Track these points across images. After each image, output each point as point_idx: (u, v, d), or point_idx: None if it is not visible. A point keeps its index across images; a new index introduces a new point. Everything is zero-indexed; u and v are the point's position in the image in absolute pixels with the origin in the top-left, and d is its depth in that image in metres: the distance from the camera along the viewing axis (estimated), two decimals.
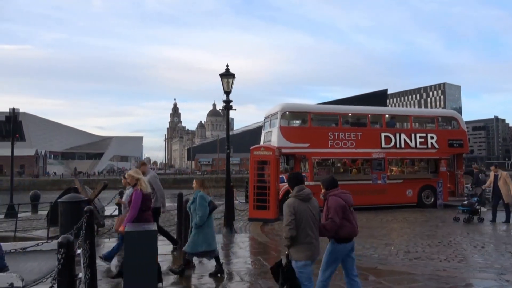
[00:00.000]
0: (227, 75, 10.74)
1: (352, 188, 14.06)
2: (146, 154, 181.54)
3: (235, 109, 11.15)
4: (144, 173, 7.93)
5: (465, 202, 12.16)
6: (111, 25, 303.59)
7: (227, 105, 10.91)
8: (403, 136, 15.58)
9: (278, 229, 10.94)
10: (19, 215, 12.51)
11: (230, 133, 12.10)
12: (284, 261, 4.33)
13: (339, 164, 15.50)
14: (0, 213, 15.30)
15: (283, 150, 13.83)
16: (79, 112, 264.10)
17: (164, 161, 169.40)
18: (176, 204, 9.79)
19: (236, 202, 14.32)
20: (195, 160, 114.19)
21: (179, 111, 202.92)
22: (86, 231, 4.93)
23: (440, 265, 6.86)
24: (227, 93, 10.80)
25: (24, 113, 71.93)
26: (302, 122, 15.91)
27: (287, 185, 13.41)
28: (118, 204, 10.04)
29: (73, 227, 4.93)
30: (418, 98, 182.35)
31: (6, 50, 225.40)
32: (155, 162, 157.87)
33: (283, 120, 14.76)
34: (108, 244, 9.01)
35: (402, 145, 15.47)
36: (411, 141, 15.60)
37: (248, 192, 15.17)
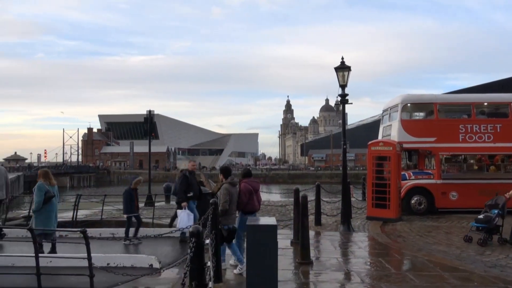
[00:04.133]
0: (342, 68, 10.35)
1: (490, 188, 12.43)
2: (261, 150, 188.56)
3: (351, 103, 10.68)
4: None
5: (481, 216, 8.42)
6: (229, 29, 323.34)
7: (343, 99, 10.53)
8: None
9: (400, 230, 10.20)
10: (155, 204, 14.15)
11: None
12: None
13: (472, 161, 13.71)
14: (140, 202, 17.57)
15: (405, 145, 12.81)
16: (202, 112, 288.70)
17: (278, 157, 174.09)
18: (292, 199, 9.87)
19: (352, 199, 13.84)
20: (308, 156, 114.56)
21: (292, 107, 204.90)
22: (212, 222, 5.26)
23: None
24: (343, 86, 10.40)
25: (158, 115, 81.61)
26: (426, 114, 14.50)
27: (410, 183, 12.56)
28: None
29: (200, 218, 5.32)
30: None
31: (143, 60, 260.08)
32: (269, 158, 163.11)
33: (404, 112, 13.66)
34: None
35: None
36: None
37: (365, 189, 14.50)
